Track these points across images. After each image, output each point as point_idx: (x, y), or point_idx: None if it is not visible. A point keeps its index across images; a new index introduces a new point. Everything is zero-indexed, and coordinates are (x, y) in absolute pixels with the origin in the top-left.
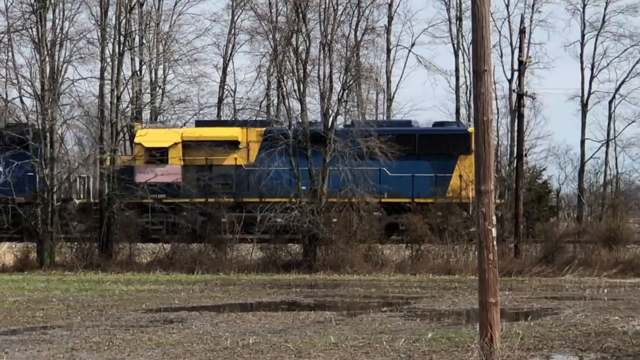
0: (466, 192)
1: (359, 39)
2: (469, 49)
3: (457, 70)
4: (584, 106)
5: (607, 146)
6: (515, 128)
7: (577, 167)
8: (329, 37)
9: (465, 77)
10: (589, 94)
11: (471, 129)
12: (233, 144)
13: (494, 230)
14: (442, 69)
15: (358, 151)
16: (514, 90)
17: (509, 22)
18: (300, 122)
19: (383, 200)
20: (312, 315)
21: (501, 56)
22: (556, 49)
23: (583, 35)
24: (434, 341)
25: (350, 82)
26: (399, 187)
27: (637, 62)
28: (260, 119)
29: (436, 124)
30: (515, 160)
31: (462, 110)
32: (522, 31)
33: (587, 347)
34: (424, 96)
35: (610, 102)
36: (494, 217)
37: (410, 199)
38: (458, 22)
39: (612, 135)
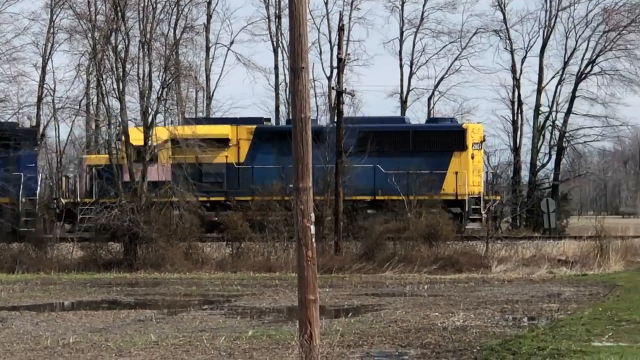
0: (462, 188)
1: (178, 37)
2: (287, 46)
3: (276, 67)
4: (403, 103)
5: None
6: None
7: None
8: (148, 36)
9: (285, 74)
10: (408, 90)
11: (466, 125)
12: (223, 142)
13: (312, 228)
14: (262, 66)
15: None
16: (333, 88)
17: (328, 20)
18: (121, 121)
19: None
20: (133, 313)
21: (320, 54)
22: (375, 46)
23: (402, 32)
24: (254, 339)
25: (170, 81)
26: (394, 184)
27: (455, 59)
28: (250, 116)
29: (430, 120)
30: (335, 157)
31: (282, 108)
32: (340, 29)
33: (407, 343)
34: (244, 94)
35: (429, 99)
36: (312, 215)
37: (406, 196)
38: (277, 20)
39: None
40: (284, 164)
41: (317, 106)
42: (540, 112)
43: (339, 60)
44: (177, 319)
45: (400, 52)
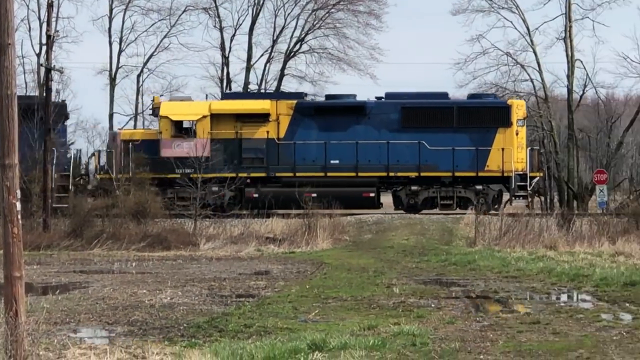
0: (508, 165)
1: None
2: None
3: None
4: (113, 80)
5: (135, 120)
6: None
7: (106, 141)
8: None
9: None
10: (117, 68)
11: (511, 101)
12: (264, 117)
13: (18, 204)
14: None
15: None
16: (42, 65)
17: None
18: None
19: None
20: None
21: (30, 30)
22: (85, 23)
23: (111, 10)
24: None
25: None
26: (439, 161)
27: (164, 37)
28: (290, 91)
29: (472, 96)
30: (44, 135)
31: None
32: (50, 5)
33: (114, 320)
34: None
35: (138, 76)
36: (18, 191)
37: (451, 172)
38: None
39: (141, 109)
40: (326, 139)
41: (26, 83)
42: (249, 90)
43: (48, 37)
44: None
45: (109, 29)
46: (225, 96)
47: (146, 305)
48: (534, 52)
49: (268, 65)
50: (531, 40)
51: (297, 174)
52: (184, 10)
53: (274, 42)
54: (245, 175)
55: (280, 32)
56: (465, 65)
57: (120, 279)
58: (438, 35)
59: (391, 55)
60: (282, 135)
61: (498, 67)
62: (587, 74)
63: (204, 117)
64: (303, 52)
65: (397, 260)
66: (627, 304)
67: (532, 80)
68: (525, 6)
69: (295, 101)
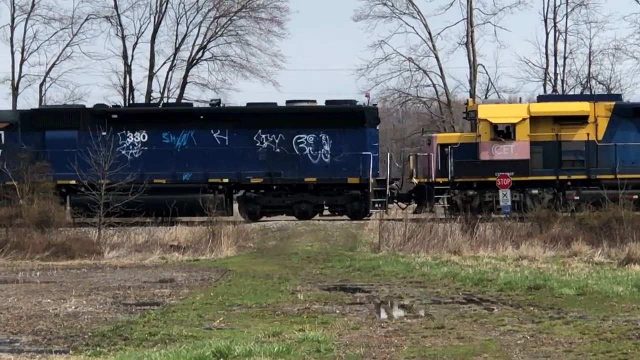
0: None
1: None
2: None
3: None
4: (15, 90)
5: None
6: None
7: None
8: None
9: None
10: (20, 77)
11: None
12: (582, 119)
13: None
14: None
15: None
16: None
17: None
18: None
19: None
20: None
21: None
22: None
23: (13, 19)
24: None
25: None
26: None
27: (66, 46)
28: (607, 93)
29: None
30: None
31: None
32: None
33: (19, 330)
34: None
35: (41, 86)
36: None
37: None
38: None
39: None
40: None
41: None
42: (152, 98)
43: None
44: None
45: (11, 38)
46: (540, 98)
47: (51, 315)
48: (436, 57)
49: (170, 73)
50: (433, 46)
51: (618, 176)
52: (86, 19)
53: (176, 50)
54: (565, 177)
55: (183, 39)
56: (368, 72)
57: (24, 288)
58: (341, 41)
59: (294, 62)
60: (600, 137)
61: (400, 72)
62: (490, 79)
63: (524, 119)
64: (205, 60)
65: (302, 266)
66: (531, 308)
67: (434, 86)
68: (427, 12)
69: (613, 103)
